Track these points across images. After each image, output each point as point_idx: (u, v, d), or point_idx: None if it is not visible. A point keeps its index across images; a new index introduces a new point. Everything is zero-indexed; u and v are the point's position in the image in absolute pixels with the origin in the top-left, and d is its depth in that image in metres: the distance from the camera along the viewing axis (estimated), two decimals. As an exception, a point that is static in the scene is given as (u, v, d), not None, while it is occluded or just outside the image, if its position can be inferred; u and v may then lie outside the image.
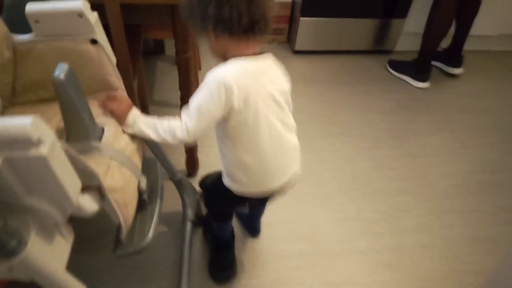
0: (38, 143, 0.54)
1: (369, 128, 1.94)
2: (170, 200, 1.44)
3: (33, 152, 0.54)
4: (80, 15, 0.79)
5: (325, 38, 2.33)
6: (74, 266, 1.25)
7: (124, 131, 0.86)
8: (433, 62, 2.38)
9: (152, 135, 0.87)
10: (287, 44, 2.47)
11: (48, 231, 0.63)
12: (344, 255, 1.39)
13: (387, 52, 2.48)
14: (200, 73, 2.07)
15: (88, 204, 0.69)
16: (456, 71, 2.35)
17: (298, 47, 2.34)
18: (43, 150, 0.55)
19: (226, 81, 0.82)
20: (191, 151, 1.48)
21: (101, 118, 0.85)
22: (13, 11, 0.83)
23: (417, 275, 1.36)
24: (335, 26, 2.28)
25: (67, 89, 0.69)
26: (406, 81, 2.29)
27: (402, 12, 2.29)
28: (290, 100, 0.97)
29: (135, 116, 0.88)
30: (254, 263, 1.33)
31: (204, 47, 2.27)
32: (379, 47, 2.44)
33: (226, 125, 0.88)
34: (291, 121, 0.98)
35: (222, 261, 1.25)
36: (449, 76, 2.37)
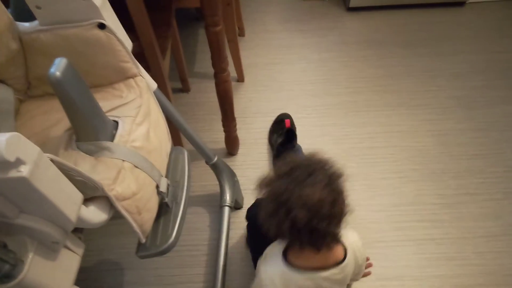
0: (17, 163, 0.48)
1: (435, 96, 1.70)
2: (209, 181, 1.39)
3: (13, 173, 0.48)
4: (83, -3, 0.70)
5: (385, -8, 2.04)
6: (109, 248, 1.26)
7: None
8: None
9: None
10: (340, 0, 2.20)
11: (50, 249, 0.59)
12: (398, 246, 1.26)
13: (459, 4, 2.13)
14: (243, 40, 1.93)
15: (94, 215, 0.63)
16: None
17: (353, 3, 2.06)
18: (24, 170, 0.48)
19: None
20: (229, 129, 1.38)
21: (117, 111, 0.78)
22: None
23: (482, 270, 1.20)
24: (397, -24, 1.97)
25: (65, 87, 0.61)
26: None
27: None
28: None
29: None
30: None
31: (247, 10, 2.10)
32: (449, -2, 2.10)
33: None
34: None
35: None
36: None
